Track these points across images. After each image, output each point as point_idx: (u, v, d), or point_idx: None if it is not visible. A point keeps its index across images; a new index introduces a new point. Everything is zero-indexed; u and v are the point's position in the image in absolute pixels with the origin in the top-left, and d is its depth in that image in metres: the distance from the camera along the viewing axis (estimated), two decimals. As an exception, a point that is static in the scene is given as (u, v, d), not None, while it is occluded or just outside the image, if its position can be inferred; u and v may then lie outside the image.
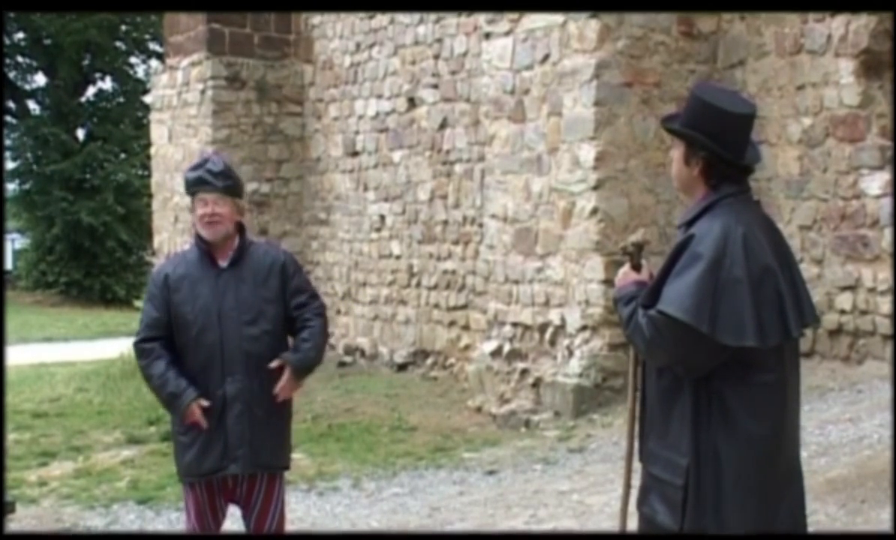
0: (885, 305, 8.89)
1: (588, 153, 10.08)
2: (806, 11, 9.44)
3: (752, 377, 3.38)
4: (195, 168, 4.97)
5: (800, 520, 3.52)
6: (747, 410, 3.37)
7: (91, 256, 31.68)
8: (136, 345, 4.98)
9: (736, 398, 3.38)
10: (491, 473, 8.47)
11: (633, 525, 3.71)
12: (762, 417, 3.38)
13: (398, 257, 14.09)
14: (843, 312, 9.22)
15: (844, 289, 9.22)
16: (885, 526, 5.78)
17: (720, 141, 3.44)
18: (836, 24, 9.25)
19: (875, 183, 9.00)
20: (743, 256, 3.34)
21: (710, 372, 3.38)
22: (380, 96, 14.35)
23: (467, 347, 12.73)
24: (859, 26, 9.10)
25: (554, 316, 10.49)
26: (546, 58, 10.50)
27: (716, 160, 3.47)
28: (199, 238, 4.97)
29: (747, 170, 3.56)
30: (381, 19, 14.25)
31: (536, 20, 10.61)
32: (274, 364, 4.90)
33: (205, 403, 4.82)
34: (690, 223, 3.49)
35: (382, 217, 14.35)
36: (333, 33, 15.33)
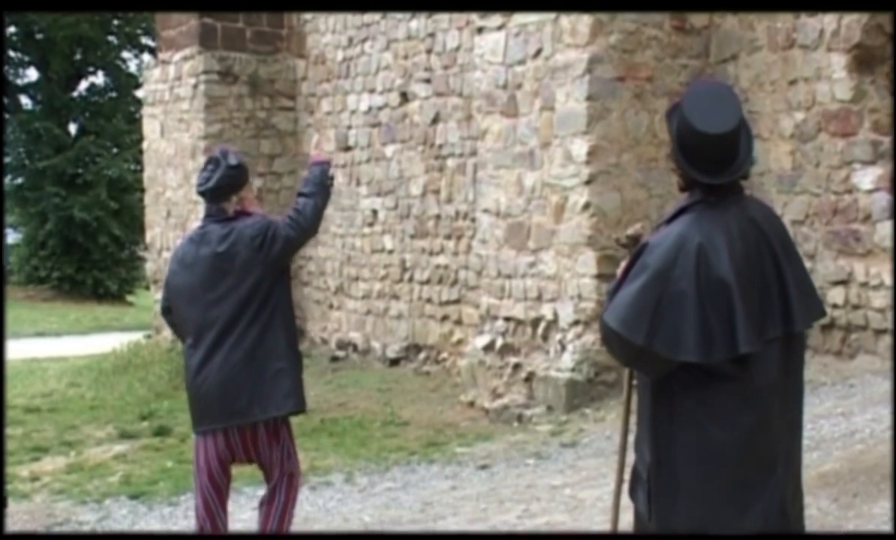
0: (877, 299, 8.90)
1: (580, 148, 10.07)
2: (800, 11, 9.45)
3: (711, 383, 3.31)
4: (235, 153, 5.35)
5: (775, 524, 3.37)
6: (704, 413, 3.31)
7: (83, 251, 31.55)
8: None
9: (692, 401, 3.32)
10: (483, 467, 8.47)
11: (625, 518, 3.72)
12: (721, 421, 3.30)
13: (391, 252, 14.08)
14: (835, 306, 9.21)
15: (837, 283, 9.22)
16: (877, 521, 5.79)
17: (687, 155, 3.38)
18: (829, 18, 9.26)
19: (867, 177, 9.01)
20: (693, 269, 3.28)
21: (670, 374, 3.33)
22: (372, 91, 14.34)
23: (460, 342, 12.73)
24: (852, 21, 9.10)
25: (546, 310, 10.49)
26: (538, 52, 10.49)
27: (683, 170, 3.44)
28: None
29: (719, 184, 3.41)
30: (374, 14, 14.22)
31: (529, 14, 10.60)
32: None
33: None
34: (668, 223, 3.45)
35: (375, 212, 14.34)
36: (326, 28, 15.30)
